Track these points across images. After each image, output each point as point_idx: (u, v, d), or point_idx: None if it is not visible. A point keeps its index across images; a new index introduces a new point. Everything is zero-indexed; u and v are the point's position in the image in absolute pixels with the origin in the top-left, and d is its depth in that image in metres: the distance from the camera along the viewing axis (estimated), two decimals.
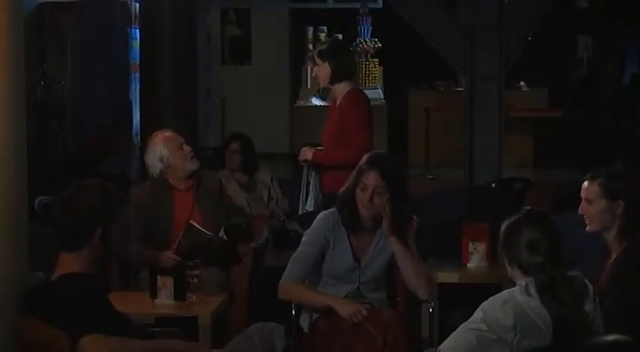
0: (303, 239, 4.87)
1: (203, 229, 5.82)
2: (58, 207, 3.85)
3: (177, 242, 5.78)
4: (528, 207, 3.93)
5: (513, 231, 3.81)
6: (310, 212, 6.20)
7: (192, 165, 6.08)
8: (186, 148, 6.09)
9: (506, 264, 3.84)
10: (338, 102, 6.31)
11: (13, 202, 3.86)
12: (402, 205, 4.78)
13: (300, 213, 6.44)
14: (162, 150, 6.03)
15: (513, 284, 3.84)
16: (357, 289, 4.87)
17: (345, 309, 4.61)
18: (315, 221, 4.91)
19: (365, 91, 6.68)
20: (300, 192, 6.41)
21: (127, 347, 3.76)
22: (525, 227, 3.79)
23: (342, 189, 4.88)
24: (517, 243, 3.78)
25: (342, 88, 6.27)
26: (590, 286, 3.85)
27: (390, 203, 4.70)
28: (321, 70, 6.27)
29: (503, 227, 3.86)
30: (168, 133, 6.14)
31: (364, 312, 4.60)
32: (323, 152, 6.22)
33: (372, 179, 4.72)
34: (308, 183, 6.30)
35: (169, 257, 5.70)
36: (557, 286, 3.71)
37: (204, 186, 6.12)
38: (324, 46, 6.32)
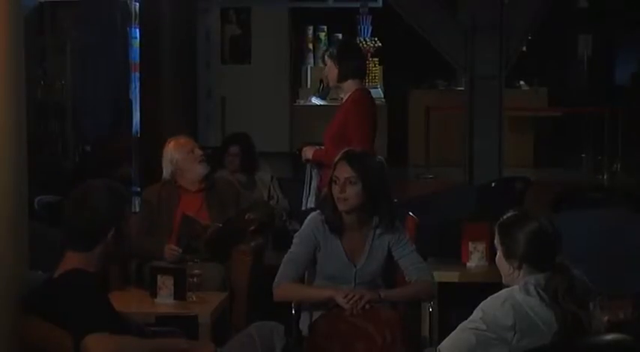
0: (294, 240, 4.87)
1: (197, 219, 5.94)
2: (71, 208, 3.85)
3: (176, 233, 5.93)
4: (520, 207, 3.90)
5: (514, 227, 3.80)
6: (312, 208, 6.20)
7: (202, 169, 6.20)
8: (197, 152, 6.25)
9: (504, 261, 3.81)
10: (343, 101, 6.32)
11: (13, 202, 3.86)
12: (379, 203, 4.75)
13: (302, 209, 6.46)
14: (173, 154, 6.21)
15: None
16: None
17: (343, 296, 4.63)
18: (304, 222, 4.92)
19: None
20: (301, 190, 6.43)
21: (131, 346, 3.75)
22: (526, 224, 3.78)
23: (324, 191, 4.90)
24: (518, 240, 3.76)
25: (347, 88, 6.27)
26: (590, 285, 3.85)
27: (362, 195, 4.70)
28: (329, 71, 6.30)
29: (501, 224, 3.84)
30: (182, 139, 6.33)
31: (364, 297, 4.61)
32: (324, 151, 6.21)
33: (342, 170, 4.73)
34: (311, 179, 6.32)
35: (171, 248, 5.87)
36: (557, 285, 3.71)
37: (218, 190, 6.24)
38: (333, 47, 6.37)
